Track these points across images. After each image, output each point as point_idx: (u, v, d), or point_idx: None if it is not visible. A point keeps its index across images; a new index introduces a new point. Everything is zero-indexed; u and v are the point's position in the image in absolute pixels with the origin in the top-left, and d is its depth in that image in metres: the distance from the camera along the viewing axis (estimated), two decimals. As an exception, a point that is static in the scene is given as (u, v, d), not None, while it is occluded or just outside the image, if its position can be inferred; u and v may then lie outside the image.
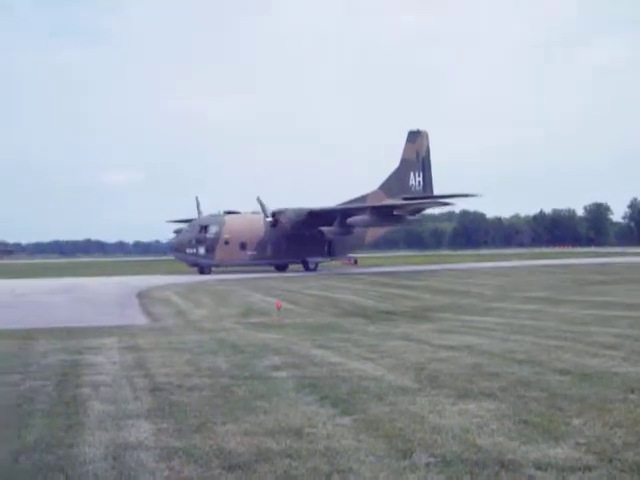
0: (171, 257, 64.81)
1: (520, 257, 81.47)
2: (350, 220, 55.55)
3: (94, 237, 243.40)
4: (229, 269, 56.69)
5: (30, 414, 8.65)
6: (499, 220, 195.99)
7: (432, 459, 6.76)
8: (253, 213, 58.65)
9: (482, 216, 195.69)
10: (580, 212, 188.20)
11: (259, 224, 57.05)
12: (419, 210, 65.73)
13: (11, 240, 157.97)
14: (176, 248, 56.28)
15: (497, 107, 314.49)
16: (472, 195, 61.96)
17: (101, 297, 30.82)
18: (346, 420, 8.19)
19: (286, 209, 56.43)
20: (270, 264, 58.38)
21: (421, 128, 67.40)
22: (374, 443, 7.28)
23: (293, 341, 15.16)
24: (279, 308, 21.65)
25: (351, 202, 61.93)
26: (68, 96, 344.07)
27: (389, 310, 22.73)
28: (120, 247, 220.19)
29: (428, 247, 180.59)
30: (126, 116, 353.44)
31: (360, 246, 66.12)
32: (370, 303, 25.57)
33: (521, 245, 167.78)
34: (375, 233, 65.29)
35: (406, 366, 11.68)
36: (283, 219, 55.99)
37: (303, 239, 56.93)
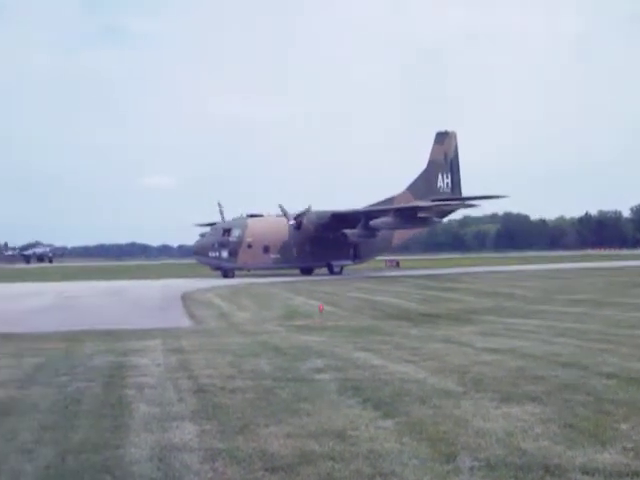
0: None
1: (565, 259, 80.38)
2: (373, 223, 54.79)
3: (139, 240, 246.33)
4: (253, 272, 56.59)
5: (77, 415, 8.79)
6: (543, 222, 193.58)
7: (476, 463, 6.72)
8: (277, 216, 57.75)
9: (526, 218, 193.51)
10: (626, 213, 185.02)
11: (282, 227, 56.22)
12: (447, 213, 64.99)
13: (58, 243, 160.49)
14: (198, 252, 55.76)
15: (540, 106, 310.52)
16: (500, 196, 61.24)
17: (146, 300, 31.20)
18: (389, 423, 8.17)
19: (309, 211, 55.78)
20: (294, 267, 57.76)
21: (449, 129, 66.40)
22: (417, 446, 7.25)
23: (335, 344, 15.17)
24: (321, 311, 21.68)
25: (379, 204, 61.01)
26: (112, 100, 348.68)
27: (431, 313, 22.60)
28: (164, 250, 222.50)
29: (471, 249, 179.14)
30: (171, 119, 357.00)
31: (387, 249, 65.08)
32: (412, 306, 25.46)
33: (566, 247, 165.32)
34: (403, 236, 64.32)
35: (449, 369, 11.61)
36: (306, 221, 55.30)
37: (327, 242, 56.22)
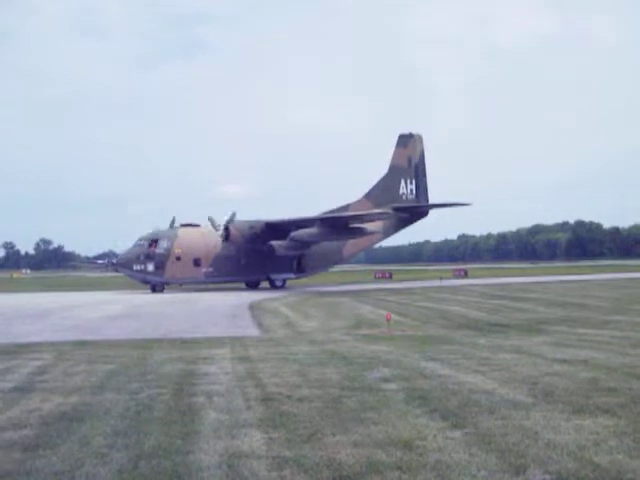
0: None
1: (639, 269, 78.16)
2: (294, 234, 50.72)
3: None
4: (187, 287, 53.72)
5: (148, 421, 8.97)
6: (617, 230, 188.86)
7: (547, 476, 6.60)
8: (214, 223, 53.52)
9: (598, 226, 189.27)
10: None
11: (216, 238, 52.11)
12: (406, 221, 59.69)
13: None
14: (122, 264, 51.77)
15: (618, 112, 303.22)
16: (464, 204, 58.02)
17: (215, 308, 31.59)
18: (457, 433, 8.09)
19: (233, 219, 51.49)
20: (229, 282, 53.71)
21: (414, 131, 61.89)
22: (486, 457, 7.16)
23: (403, 353, 15.09)
24: (389, 320, 21.59)
25: (332, 212, 56.30)
26: (188, 110, 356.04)
27: (501, 322, 22.27)
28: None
29: (541, 258, 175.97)
30: (244, 127, 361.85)
31: (338, 261, 60.29)
32: (481, 315, 25.14)
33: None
34: (355, 247, 58.76)
35: (518, 380, 11.43)
36: (234, 232, 50.79)
37: (265, 254, 51.56)
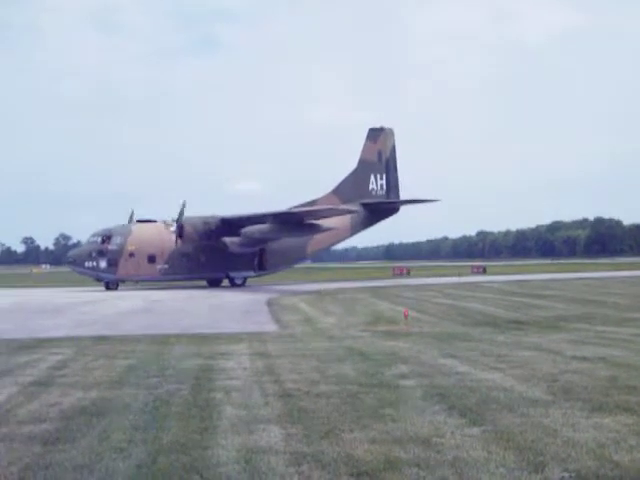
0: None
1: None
2: (245, 230, 48.79)
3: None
4: (144, 284, 51.99)
5: (167, 416, 9.01)
6: (637, 227, 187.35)
7: (566, 474, 6.56)
8: (166, 222, 51.43)
9: (618, 223, 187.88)
10: None
11: (172, 234, 49.87)
12: (374, 218, 57.62)
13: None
14: (73, 261, 50.19)
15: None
16: (433, 200, 57.06)
17: (233, 304, 31.69)
18: (475, 431, 8.07)
19: (193, 217, 49.67)
20: (186, 279, 52.02)
21: (386, 124, 59.44)
22: (504, 455, 7.13)
23: (421, 350, 15.07)
24: (406, 317, 21.55)
25: (300, 206, 54.23)
26: (205, 108, 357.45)
27: (519, 319, 22.17)
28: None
29: (561, 255, 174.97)
30: (259, 124, 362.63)
31: (301, 258, 58.62)
32: (499, 312, 25.03)
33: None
34: (320, 243, 56.49)
35: (537, 377, 11.37)
36: (188, 228, 48.80)
37: (224, 251, 49.89)
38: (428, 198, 57.40)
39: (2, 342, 17.40)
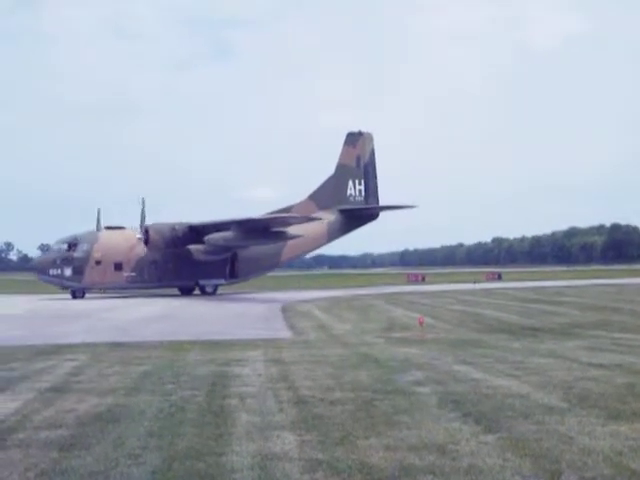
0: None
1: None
2: (209, 238, 47.45)
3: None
4: (114, 292, 50.68)
5: (182, 423, 9.02)
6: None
7: (582, 482, 6.51)
8: (133, 229, 50.03)
9: (635, 229, 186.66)
10: None
11: (139, 241, 48.43)
12: (352, 224, 56.55)
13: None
14: (38, 269, 49.15)
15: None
16: (410, 207, 56.90)
17: (249, 311, 31.74)
18: (490, 438, 8.03)
19: (160, 223, 48.27)
20: (155, 287, 50.78)
21: (364, 129, 58.46)
22: (520, 462, 7.09)
23: (435, 356, 15.03)
24: (421, 323, 21.51)
25: (273, 214, 52.47)
26: (217, 114, 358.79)
27: (535, 326, 22.08)
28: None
29: (577, 262, 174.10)
30: (274, 130, 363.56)
31: (275, 265, 57.09)
32: (515, 319, 24.94)
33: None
34: (295, 250, 55.38)
35: (553, 384, 11.31)
36: (154, 235, 47.18)
37: (193, 258, 48.78)
38: (405, 204, 57.30)
39: (19, 348, 17.50)
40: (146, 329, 23.30)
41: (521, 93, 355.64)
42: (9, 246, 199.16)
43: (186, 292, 51.34)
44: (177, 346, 17.75)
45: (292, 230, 49.92)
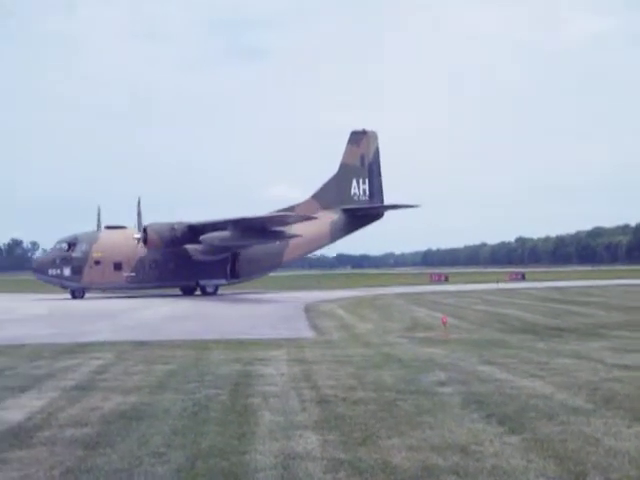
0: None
1: None
2: (204, 237, 46.85)
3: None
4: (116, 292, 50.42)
5: (205, 421, 9.07)
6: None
7: (607, 483, 6.46)
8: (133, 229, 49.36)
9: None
10: None
11: (138, 241, 47.74)
12: (358, 223, 55.68)
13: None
14: (37, 269, 49.11)
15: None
16: (414, 206, 56.37)
17: (272, 310, 31.81)
18: (514, 439, 7.98)
19: (159, 223, 47.75)
20: (155, 287, 50.46)
21: (368, 128, 57.14)
22: (544, 464, 7.04)
23: (459, 357, 14.96)
24: (444, 323, 21.43)
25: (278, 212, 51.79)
26: (232, 113, 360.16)
27: (559, 327, 21.92)
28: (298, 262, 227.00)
29: (602, 262, 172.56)
30: (293, 129, 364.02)
31: (277, 265, 56.40)
32: (539, 319, 24.78)
33: None
34: (298, 250, 54.79)
35: (578, 385, 11.22)
36: (153, 235, 46.75)
37: (192, 258, 48.50)
38: (409, 204, 56.95)
39: (45, 346, 17.67)
40: (171, 328, 23.44)
41: (540, 89, 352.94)
42: (34, 245, 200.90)
43: (188, 292, 51.00)
44: (201, 345, 17.83)
45: (295, 230, 49.88)
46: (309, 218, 49.87)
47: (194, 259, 48.44)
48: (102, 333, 21.44)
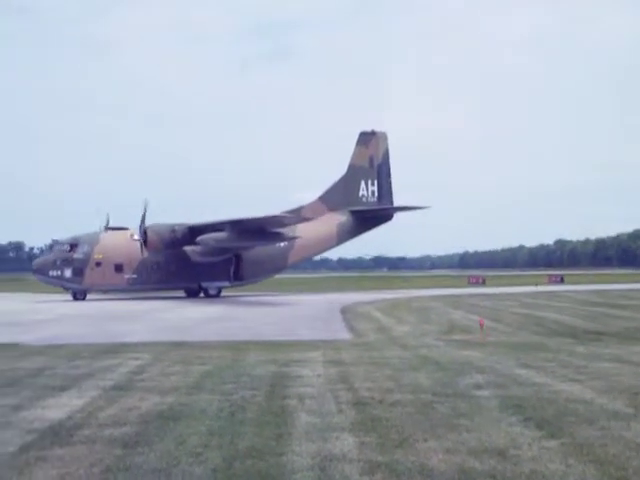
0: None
1: None
2: (201, 239, 46.17)
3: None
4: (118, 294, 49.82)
5: (242, 422, 9.11)
6: None
7: (648, 489, 6.36)
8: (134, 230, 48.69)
9: None
10: None
11: (137, 242, 47.42)
12: (366, 225, 54.90)
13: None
14: (38, 270, 48.45)
15: None
16: (423, 207, 55.47)
17: (309, 312, 31.85)
18: (553, 443, 7.89)
19: (159, 224, 46.99)
20: (157, 289, 49.92)
21: (377, 128, 56.49)
22: (584, 469, 6.96)
23: (496, 360, 14.84)
24: (482, 326, 21.28)
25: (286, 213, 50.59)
26: (260, 116, 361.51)
27: (599, 330, 21.63)
28: (322, 263, 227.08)
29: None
30: (324, 132, 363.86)
31: (282, 267, 55.45)
32: (578, 322, 24.47)
33: None
34: (303, 252, 54.01)
35: (618, 389, 11.06)
36: (153, 236, 46.12)
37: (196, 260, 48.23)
38: (419, 205, 56.29)
39: (84, 347, 17.90)
40: (205, 329, 23.59)
41: (585, 88, 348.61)
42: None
43: (192, 295, 50.61)
44: (237, 346, 17.91)
45: (300, 231, 49.56)
46: (306, 219, 49.67)
47: (193, 261, 48.24)
48: (139, 334, 21.65)
